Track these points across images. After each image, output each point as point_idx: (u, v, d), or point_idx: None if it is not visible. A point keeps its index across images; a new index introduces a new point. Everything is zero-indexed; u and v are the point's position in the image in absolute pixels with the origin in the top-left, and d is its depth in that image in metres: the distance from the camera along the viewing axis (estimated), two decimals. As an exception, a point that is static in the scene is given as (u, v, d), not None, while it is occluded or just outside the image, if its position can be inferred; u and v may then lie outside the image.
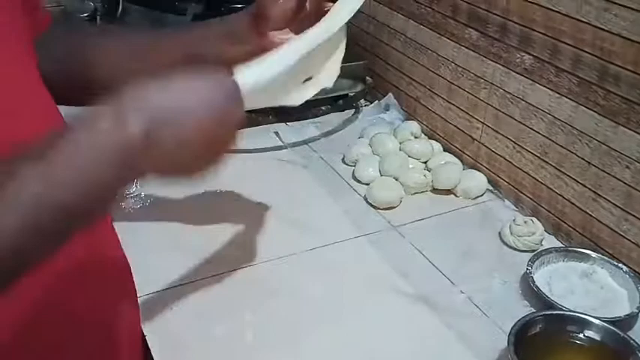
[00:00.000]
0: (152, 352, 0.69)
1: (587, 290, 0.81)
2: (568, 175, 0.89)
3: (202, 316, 0.75)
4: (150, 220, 0.90)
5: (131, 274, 0.63)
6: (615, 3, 0.76)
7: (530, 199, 0.96)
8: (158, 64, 0.60)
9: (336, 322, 0.76)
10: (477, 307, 0.80)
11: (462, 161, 1.06)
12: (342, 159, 1.09)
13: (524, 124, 0.94)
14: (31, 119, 0.46)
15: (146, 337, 0.70)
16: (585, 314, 0.72)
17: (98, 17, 1.55)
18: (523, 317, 0.71)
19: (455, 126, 1.09)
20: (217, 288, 0.79)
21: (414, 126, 1.12)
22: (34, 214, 0.35)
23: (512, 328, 0.69)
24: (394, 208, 0.98)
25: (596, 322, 0.71)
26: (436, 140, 1.12)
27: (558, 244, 0.91)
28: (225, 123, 0.44)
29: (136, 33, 0.65)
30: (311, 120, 1.21)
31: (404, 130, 1.12)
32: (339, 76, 1.21)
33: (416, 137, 1.11)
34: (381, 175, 1.03)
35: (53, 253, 0.38)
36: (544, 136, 0.91)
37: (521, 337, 0.69)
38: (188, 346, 0.71)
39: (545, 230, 0.91)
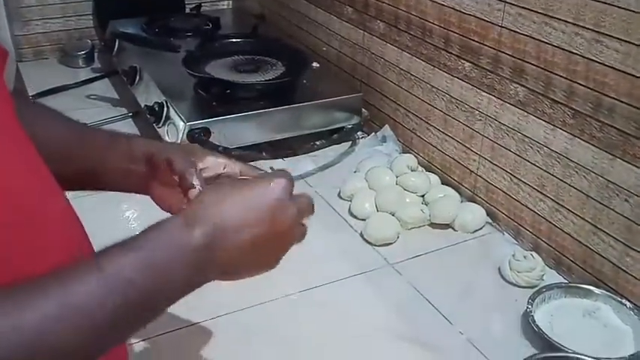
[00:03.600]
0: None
1: (591, 329, 0.78)
2: (567, 208, 0.87)
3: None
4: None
5: None
6: (606, 34, 0.75)
7: (530, 232, 0.94)
8: (83, 158, 0.61)
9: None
10: (477, 349, 0.77)
11: (460, 194, 1.05)
12: (338, 194, 1.08)
13: (520, 156, 0.92)
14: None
15: None
16: (588, 356, 0.70)
17: (95, 54, 1.56)
18: (523, 360, 0.69)
19: (452, 158, 1.07)
20: (206, 335, 0.77)
21: (410, 159, 1.11)
22: (124, 296, 0.40)
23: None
24: (391, 244, 0.96)
25: (600, 364, 0.68)
26: (433, 172, 1.10)
27: (560, 278, 0.89)
28: (285, 224, 0.50)
29: (71, 122, 0.64)
30: (307, 154, 1.20)
31: (400, 163, 1.10)
32: (335, 109, 1.22)
33: (412, 170, 1.09)
34: (378, 211, 1.01)
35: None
36: (541, 168, 0.89)
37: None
38: None
39: (546, 264, 0.89)
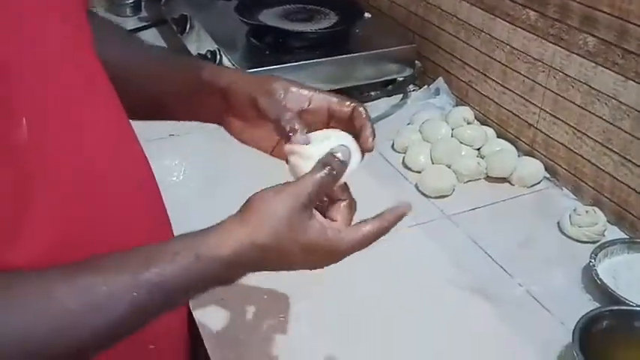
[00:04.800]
0: (204, 340, 0.69)
1: (655, 284, 0.77)
2: (633, 163, 0.84)
3: (251, 307, 0.74)
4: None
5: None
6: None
7: (591, 187, 0.92)
8: (171, 83, 0.58)
9: (389, 315, 0.74)
10: (537, 300, 0.77)
11: (517, 148, 1.02)
12: (392, 146, 1.07)
13: (585, 109, 0.90)
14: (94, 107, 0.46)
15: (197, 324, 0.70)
16: (655, 310, 0.69)
17: (143, 3, 1.55)
18: (588, 312, 0.68)
19: (510, 111, 1.05)
20: (263, 279, 0.78)
21: (466, 111, 1.09)
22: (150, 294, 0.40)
23: (577, 324, 0.66)
24: (447, 196, 0.95)
25: (667, 318, 0.67)
26: (489, 126, 1.08)
27: (622, 235, 0.87)
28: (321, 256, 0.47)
29: (157, 49, 0.62)
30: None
31: (456, 115, 1.08)
32: (387, 60, 1.19)
33: (468, 123, 1.07)
34: (433, 163, 1.00)
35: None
36: (608, 121, 0.87)
37: (587, 334, 0.65)
38: (237, 337, 0.70)
39: (608, 221, 0.87)
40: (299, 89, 0.53)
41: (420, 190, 0.96)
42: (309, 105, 0.53)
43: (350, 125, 0.53)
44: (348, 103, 0.53)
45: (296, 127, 0.49)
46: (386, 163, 1.04)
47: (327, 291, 0.76)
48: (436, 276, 0.80)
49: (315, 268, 0.47)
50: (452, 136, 1.05)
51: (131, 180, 0.49)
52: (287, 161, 0.51)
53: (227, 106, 0.55)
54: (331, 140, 0.49)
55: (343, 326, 0.72)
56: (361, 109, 0.53)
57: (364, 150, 0.52)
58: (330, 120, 0.54)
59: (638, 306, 0.70)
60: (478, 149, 1.03)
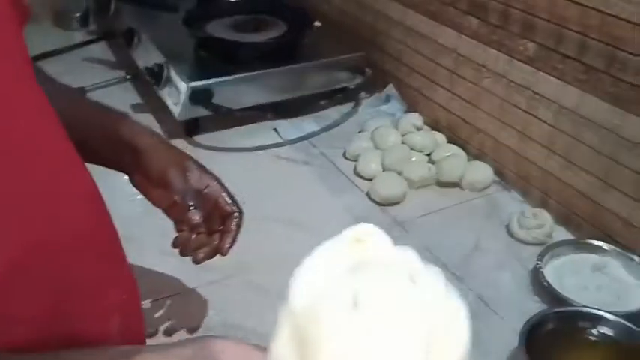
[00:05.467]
0: None
1: (600, 284, 0.79)
2: (576, 165, 0.86)
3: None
4: (147, 226, 0.88)
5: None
6: (622, -14, 0.73)
7: (538, 190, 0.93)
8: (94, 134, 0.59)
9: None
10: (487, 304, 0.78)
11: (467, 153, 1.04)
12: (344, 154, 1.07)
13: (530, 113, 0.91)
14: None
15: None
16: (598, 309, 0.70)
17: (91, 16, 1.53)
18: (534, 315, 0.69)
19: (459, 116, 1.06)
20: (213, 295, 0.77)
21: (416, 118, 1.10)
22: None
23: (523, 327, 0.67)
24: (398, 203, 0.96)
25: (610, 317, 0.69)
26: (440, 132, 1.09)
27: (569, 236, 0.89)
28: None
29: (85, 100, 0.65)
30: (310, 115, 1.18)
31: (406, 122, 1.09)
32: (337, 69, 1.19)
33: (418, 129, 1.08)
34: (384, 170, 1.00)
35: None
36: (551, 125, 0.88)
37: (533, 336, 0.66)
38: None
39: (555, 222, 0.89)
40: (203, 174, 0.62)
41: (371, 198, 0.96)
42: (205, 189, 0.62)
43: (221, 222, 0.62)
44: (233, 207, 0.62)
45: (192, 207, 0.60)
46: (337, 171, 1.04)
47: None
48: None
49: None
50: (402, 143, 1.05)
51: (77, 196, 0.48)
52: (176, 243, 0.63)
53: (137, 165, 0.60)
54: None
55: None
56: (237, 215, 0.62)
57: (220, 253, 0.62)
58: (213, 209, 0.62)
59: (582, 306, 0.72)
60: (429, 155, 1.04)
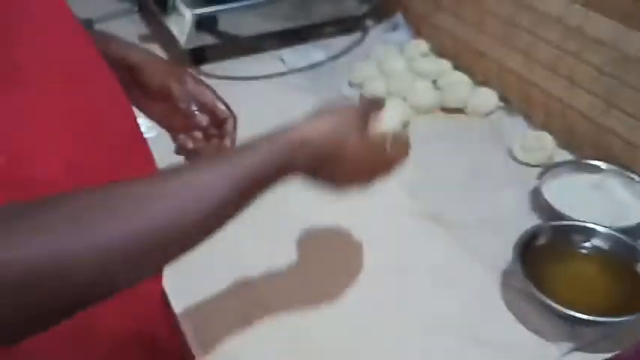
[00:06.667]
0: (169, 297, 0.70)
1: (599, 202, 0.80)
2: (580, 86, 0.86)
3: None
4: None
5: None
6: None
7: (542, 113, 0.94)
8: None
9: (343, 240, 0.77)
10: (488, 221, 0.79)
11: (471, 78, 1.04)
12: (349, 82, 1.07)
13: (534, 34, 0.91)
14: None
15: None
16: (593, 223, 0.72)
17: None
18: (529, 229, 0.71)
19: (464, 42, 1.05)
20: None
21: (421, 44, 1.09)
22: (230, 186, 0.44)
23: (518, 240, 0.69)
24: (403, 129, 0.97)
25: (604, 230, 0.71)
26: (446, 58, 1.09)
27: (570, 158, 0.89)
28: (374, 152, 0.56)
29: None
30: (317, 43, 1.18)
31: (411, 48, 1.09)
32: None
33: (424, 56, 1.08)
34: (389, 96, 1.01)
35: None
36: (555, 46, 0.88)
37: (528, 248, 0.69)
38: (199, 283, 0.71)
39: (557, 145, 0.89)
40: (198, 83, 0.64)
41: (376, 124, 0.97)
42: (200, 97, 0.63)
43: (217, 127, 0.64)
44: (227, 112, 0.64)
45: (202, 120, 0.61)
46: (343, 98, 1.04)
47: (280, 226, 0.78)
48: (389, 203, 0.82)
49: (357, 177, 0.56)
50: (408, 69, 1.05)
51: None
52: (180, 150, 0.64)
53: (134, 81, 0.61)
54: None
55: (297, 256, 0.75)
56: (232, 119, 0.64)
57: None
58: (210, 115, 0.64)
59: (576, 220, 0.73)
60: (434, 81, 1.04)
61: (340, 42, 1.19)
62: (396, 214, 0.81)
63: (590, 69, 0.83)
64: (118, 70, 0.60)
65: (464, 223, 0.79)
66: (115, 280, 0.39)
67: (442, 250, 0.76)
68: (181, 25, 1.06)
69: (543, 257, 0.69)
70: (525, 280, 0.65)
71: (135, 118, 0.58)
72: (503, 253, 0.73)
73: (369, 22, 1.23)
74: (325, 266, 0.74)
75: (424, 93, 1.00)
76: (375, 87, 1.02)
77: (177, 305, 0.67)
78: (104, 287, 0.38)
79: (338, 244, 0.77)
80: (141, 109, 0.64)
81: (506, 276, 0.71)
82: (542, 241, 0.71)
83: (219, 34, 1.06)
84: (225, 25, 1.07)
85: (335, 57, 1.16)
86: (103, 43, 0.60)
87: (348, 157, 0.52)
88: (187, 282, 0.69)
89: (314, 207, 0.81)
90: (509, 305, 0.68)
